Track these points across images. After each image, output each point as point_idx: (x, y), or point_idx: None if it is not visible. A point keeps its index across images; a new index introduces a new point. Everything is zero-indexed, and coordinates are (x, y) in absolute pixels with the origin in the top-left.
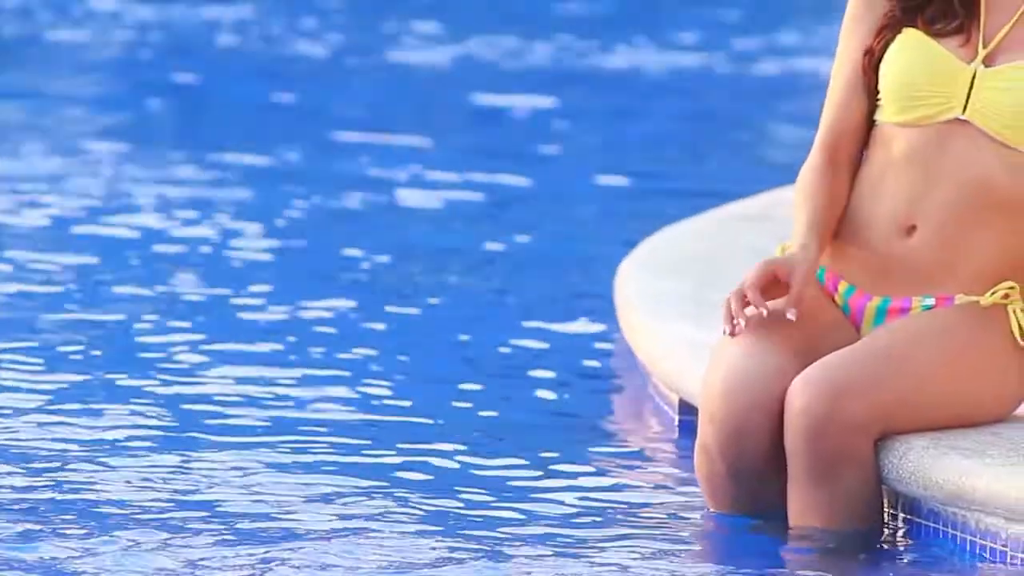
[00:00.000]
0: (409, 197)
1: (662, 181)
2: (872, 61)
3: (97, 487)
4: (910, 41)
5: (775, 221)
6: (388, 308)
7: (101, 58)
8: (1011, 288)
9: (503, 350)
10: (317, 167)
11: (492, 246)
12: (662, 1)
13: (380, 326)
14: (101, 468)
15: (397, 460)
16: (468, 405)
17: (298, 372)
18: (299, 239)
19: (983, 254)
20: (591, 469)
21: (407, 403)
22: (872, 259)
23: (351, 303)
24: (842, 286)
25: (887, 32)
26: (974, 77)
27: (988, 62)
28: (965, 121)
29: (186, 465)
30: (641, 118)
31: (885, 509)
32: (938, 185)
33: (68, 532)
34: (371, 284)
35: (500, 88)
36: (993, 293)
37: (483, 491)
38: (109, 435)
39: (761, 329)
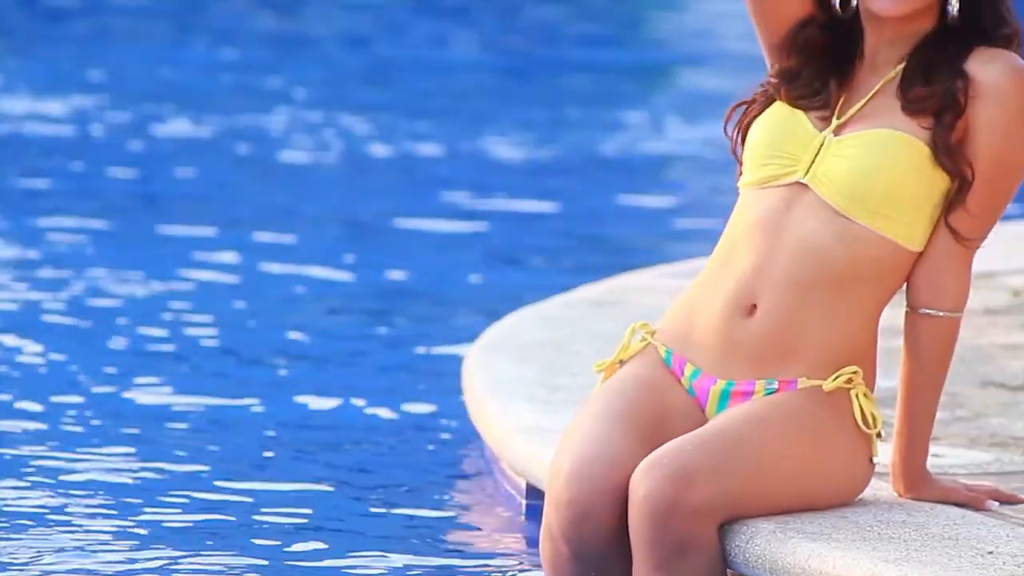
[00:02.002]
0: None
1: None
2: (741, 134)
3: None
4: (776, 107)
5: (623, 306)
6: (219, 400)
7: None
8: (854, 373)
9: (348, 431)
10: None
11: (342, 321)
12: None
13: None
14: None
15: (235, 538)
16: (304, 487)
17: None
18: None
19: (824, 334)
20: (437, 554)
21: (252, 481)
22: (715, 341)
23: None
24: (688, 368)
25: (757, 107)
26: (822, 144)
27: (838, 133)
28: (807, 187)
29: None
30: None
31: None
32: (779, 256)
33: None
34: (202, 367)
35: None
36: (836, 378)
37: None
38: None
39: (608, 413)
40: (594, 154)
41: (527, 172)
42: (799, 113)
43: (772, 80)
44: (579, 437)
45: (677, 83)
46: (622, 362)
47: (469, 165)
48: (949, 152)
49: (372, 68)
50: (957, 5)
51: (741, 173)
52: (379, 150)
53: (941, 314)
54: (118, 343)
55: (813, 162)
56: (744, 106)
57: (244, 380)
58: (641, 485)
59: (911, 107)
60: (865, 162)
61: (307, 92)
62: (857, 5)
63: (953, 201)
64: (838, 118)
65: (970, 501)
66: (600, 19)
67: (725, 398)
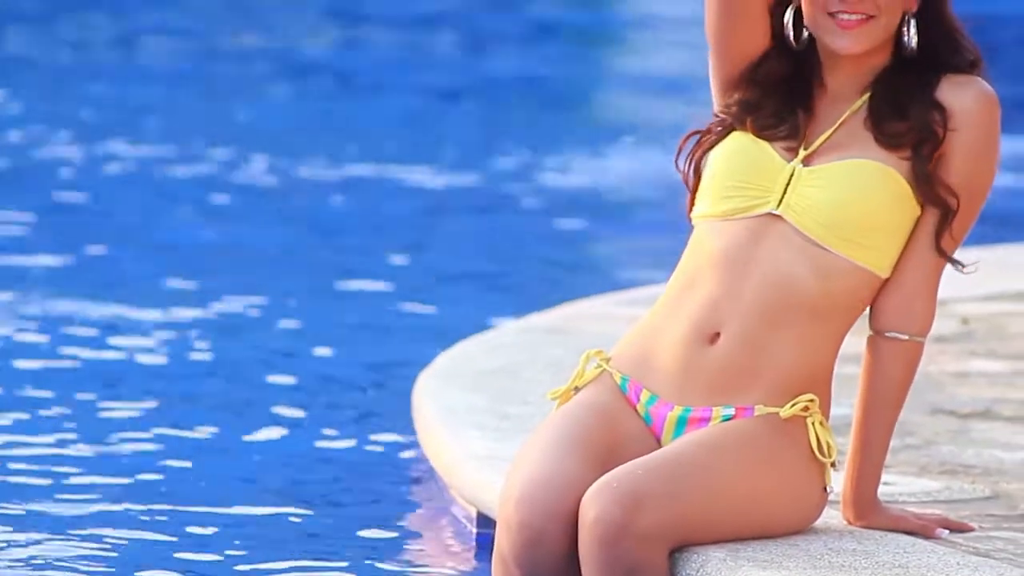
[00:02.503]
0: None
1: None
2: (694, 164)
3: None
4: (736, 138)
5: (575, 333)
6: (168, 430)
7: None
8: (811, 401)
9: (299, 458)
10: None
11: (293, 349)
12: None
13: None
14: None
15: (181, 564)
16: (258, 512)
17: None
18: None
19: (787, 361)
20: None
21: (201, 506)
22: (674, 368)
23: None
24: (644, 395)
25: (713, 136)
26: (792, 175)
27: (807, 163)
28: (779, 217)
29: None
30: None
31: None
32: (747, 285)
33: None
34: (158, 393)
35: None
36: (793, 405)
37: None
38: None
39: (561, 437)
40: (546, 180)
41: (477, 197)
42: (764, 144)
43: (733, 110)
44: (531, 461)
45: (626, 109)
46: (576, 389)
47: (418, 191)
48: (931, 183)
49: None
50: (915, 39)
51: (693, 203)
52: (323, 174)
53: (908, 338)
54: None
55: (785, 193)
56: (697, 136)
57: (195, 407)
58: (591, 508)
59: (889, 141)
60: (842, 191)
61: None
62: (811, 36)
63: (940, 229)
64: (806, 149)
65: (920, 529)
66: (542, 44)
67: (682, 424)
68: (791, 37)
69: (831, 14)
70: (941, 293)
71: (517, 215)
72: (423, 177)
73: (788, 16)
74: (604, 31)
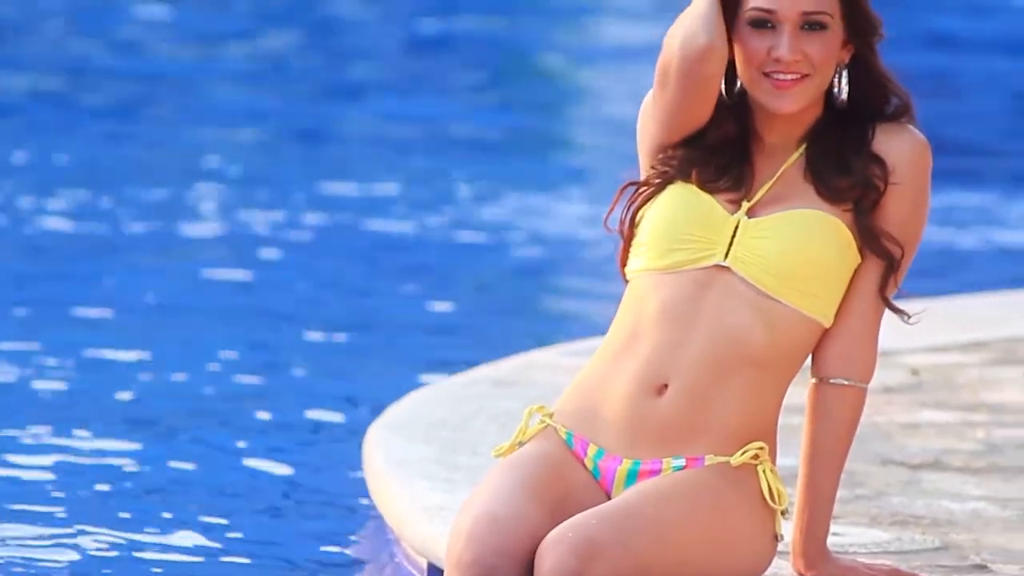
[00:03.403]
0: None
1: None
2: (632, 216)
3: None
4: (678, 190)
5: (524, 386)
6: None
7: None
8: (761, 448)
9: (250, 508)
10: None
11: (242, 397)
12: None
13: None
14: None
15: None
16: (201, 560)
17: None
18: None
19: (734, 412)
20: None
21: (153, 552)
22: (621, 421)
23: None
24: (591, 449)
25: (651, 189)
26: (737, 226)
27: (750, 215)
28: (726, 269)
29: None
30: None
31: None
32: (693, 338)
33: None
34: (101, 430)
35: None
36: (743, 453)
37: None
38: None
39: (511, 480)
40: (497, 231)
41: (427, 246)
42: (706, 196)
43: (675, 163)
44: (481, 502)
45: (581, 156)
46: (521, 444)
47: (370, 237)
48: (876, 236)
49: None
50: (846, 90)
51: (626, 256)
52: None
53: (852, 384)
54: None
55: (731, 244)
56: (633, 187)
57: (143, 447)
58: (546, 559)
59: (832, 196)
60: (789, 241)
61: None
62: (743, 90)
63: (885, 279)
64: (748, 201)
65: None
66: (486, 90)
67: (632, 477)
68: (723, 92)
69: (766, 74)
70: (891, 344)
71: (467, 266)
72: (375, 224)
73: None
74: (549, 84)
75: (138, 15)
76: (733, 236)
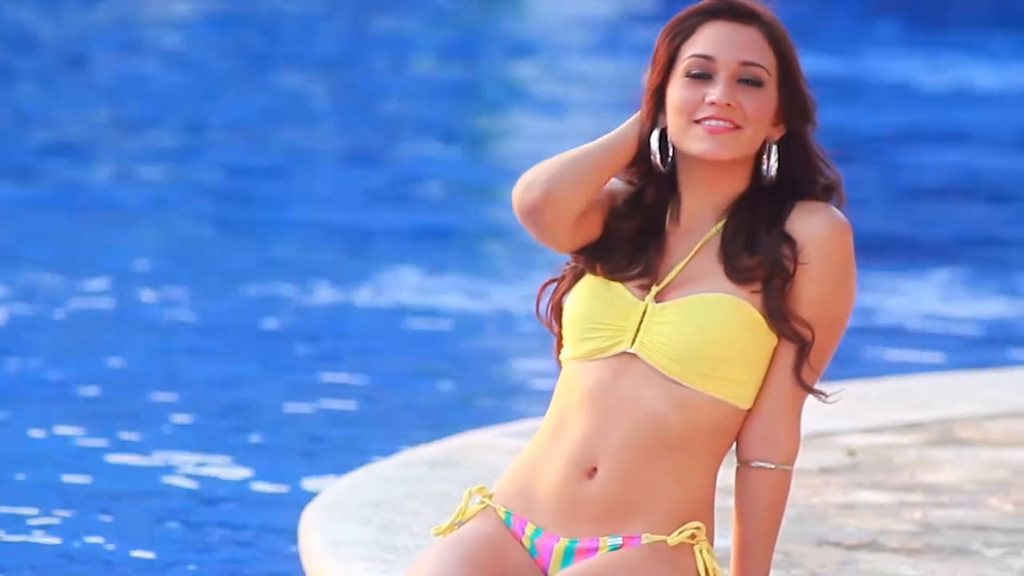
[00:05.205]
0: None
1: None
2: (555, 309)
3: None
4: (588, 280)
5: (461, 467)
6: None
7: None
8: (698, 528)
9: None
10: None
11: (183, 469)
12: None
13: None
14: None
15: None
16: None
17: None
18: None
19: (666, 493)
20: None
21: None
22: (555, 503)
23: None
24: (529, 528)
25: (567, 282)
26: (645, 312)
27: (659, 299)
28: (635, 356)
29: None
30: None
31: None
32: (615, 424)
33: None
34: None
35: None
36: (680, 532)
37: None
38: None
39: (450, 557)
40: (434, 311)
41: (366, 326)
42: (614, 284)
43: (582, 259)
44: (421, 572)
45: (514, 237)
46: (460, 524)
47: (310, 313)
48: (784, 318)
49: None
50: (775, 167)
51: (560, 347)
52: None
53: (774, 467)
54: None
55: (638, 331)
56: (554, 283)
57: (70, 526)
58: None
59: (739, 276)
60: (693, 327)
61: None
62: (674, 162)
63: (798, 362)
64: (657, 285)
65: None
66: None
67: (569, 555)
68: (657, 160)
69: (698, 121)
70: (828, 425)
71: (404, 345)
72: (311, 299)
73: (654, 139)
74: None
75: None
76: (641, 322)
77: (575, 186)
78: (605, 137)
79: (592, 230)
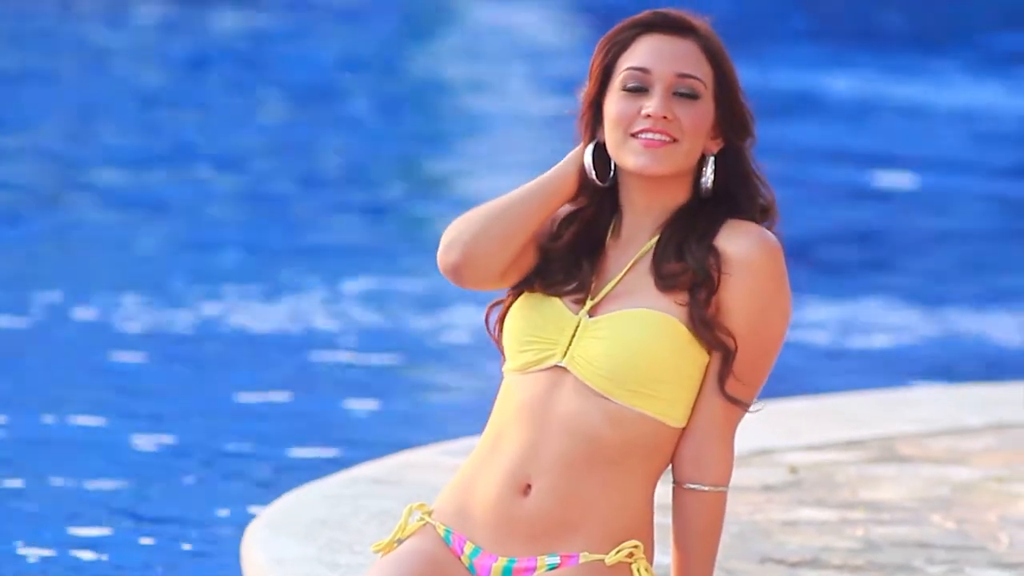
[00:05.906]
0: None
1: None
2: (499, 326)
3: None
4: (529, 296)
5: (403, 484)
6: None
7: None
8: (635, 547)
9: None
10: None
11: (126, 491)
12: None
13: None
14: None
15: None
16: None
17: None
18: None
19: (602, 509)
20: None
21: None
22: (492, 521)
23: None
24: (467, 547)
25: (511, 298)
26: (578, 326)
27: (593, 313)
28: (566, 370)
29: None
30: None
31: None
32: (549, 437)
33: None
34: None
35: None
36: (618, 551)
37: None
38: None
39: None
40: (379, 327)
41: (310, 342)
42: (550, 299)
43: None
44: None
45: None
46: (400, 541)
47: (263, 337)
48: (707, 326)
49: None
50: (712, 177)
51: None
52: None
53: (706, 489)
54: None
55: (570, 345)
56: (500, 304)
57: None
58: None
59: (664, 283)
60: (620, 343)
61: None
62: (615, 177)
63: (723, 372)
64: (592, 299)
65: None
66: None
67: (507, 575)
68: (594, 176)
69: (634, 135)
70: (770, 442)
71: (344, 363)
72: (263, 323)
73: (588, 153)
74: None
75: None
76: (573, 336)
77: (501, 242)
78: (540, 179)
79: (525, 265)
